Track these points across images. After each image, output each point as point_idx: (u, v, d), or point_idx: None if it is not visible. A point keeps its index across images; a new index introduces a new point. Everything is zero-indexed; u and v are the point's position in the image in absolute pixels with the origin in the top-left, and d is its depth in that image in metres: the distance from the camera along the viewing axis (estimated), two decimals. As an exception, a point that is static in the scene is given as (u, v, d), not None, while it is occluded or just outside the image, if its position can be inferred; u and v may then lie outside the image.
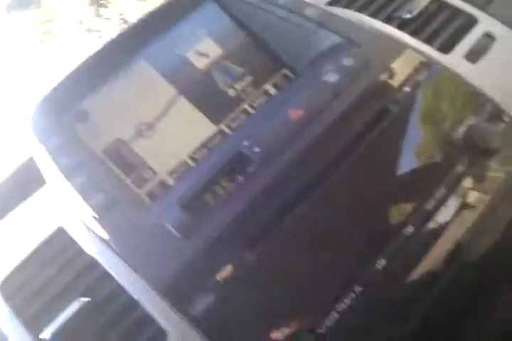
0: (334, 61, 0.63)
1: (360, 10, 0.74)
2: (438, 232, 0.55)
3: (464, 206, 0.57)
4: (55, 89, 0.59)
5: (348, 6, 0.75)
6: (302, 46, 0.67)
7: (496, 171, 0.60)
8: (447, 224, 0.56)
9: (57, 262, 0.51)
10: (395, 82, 0.62)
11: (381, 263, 0.52)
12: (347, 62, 0.62)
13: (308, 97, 0.60)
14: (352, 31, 0.66)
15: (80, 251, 0.51)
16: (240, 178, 0.54)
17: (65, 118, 0.59)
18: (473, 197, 0.58)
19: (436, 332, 0.55)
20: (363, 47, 0.63)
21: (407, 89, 0.62)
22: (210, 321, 0.47)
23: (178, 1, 0.69)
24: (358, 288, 0.51)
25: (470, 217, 0.57)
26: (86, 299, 0.48)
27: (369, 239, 0.53)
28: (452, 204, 0.57)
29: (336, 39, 0.65)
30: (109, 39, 0.63)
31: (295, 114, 0.58)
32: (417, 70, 0.64)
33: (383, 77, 0.61)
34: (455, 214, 0.57)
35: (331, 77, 0.61)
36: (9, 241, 0.58)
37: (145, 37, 0.66)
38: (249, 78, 0.67)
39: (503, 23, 0.76)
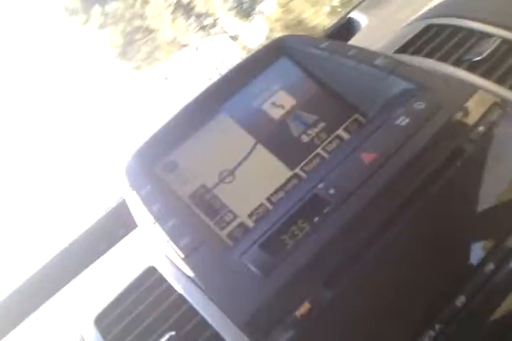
0: (405, 106, 0.65)
1: (428, 56, 0.76)
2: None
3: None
4: (147, 142, 0.66)
5: (415, 53, 0.77)
6: (372, 93, 0.70)
7: None
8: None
9: (148, 298, 0.55)
10: (469, 123, 0.62)
11: (461, 300, 0.51)
12: (418, 106, 0.64)
13: (381, 141, 0.62)
14: (421, 76, 0.68)
15: (169, 289, 0.55)
16: (316, 219, 0.56)
17: (155, 168, 0.65)
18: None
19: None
20: (433, 91, 0.65)
21: (481, 128, 0.62)
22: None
23: (255, 59, 0.75)
24: (437, 326, 0.50)
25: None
26: (174, 333, 0.50)
27: (448, 277, 0.52)
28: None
29: (405, 85, 0.67)
30: (194, 96, 0.70)
31: (368, 157, 0.60)
32: (490, 110, 0.64)
33: (456, 118, 0.62)
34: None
35: (403, 121, 0.63)
36: (104, 280, 0.63)
37: (226, 92, 0.72)
38: (322, 124, 0.70)
39: None
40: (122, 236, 0.73)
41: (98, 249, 0.73)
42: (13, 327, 0.77)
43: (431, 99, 0.64)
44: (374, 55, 0.72)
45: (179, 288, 0.54)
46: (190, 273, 0.54)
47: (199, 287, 0.53)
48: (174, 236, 0.57)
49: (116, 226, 0.80)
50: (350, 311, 0.50)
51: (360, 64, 0.71)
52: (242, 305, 0.50)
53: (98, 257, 0.73)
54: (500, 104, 0.64)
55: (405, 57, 0.75)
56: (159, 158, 0.67)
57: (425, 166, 0.59)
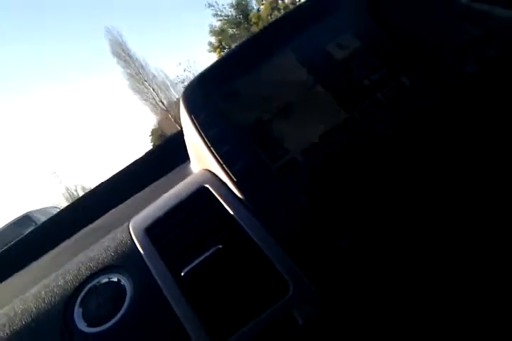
0: (475, 53, 0.61)
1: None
2: None
3: None
4: (211, 68, 0.65)
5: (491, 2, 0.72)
6: (442, 39, 0.66)
7: None
8: None
9: (199, 215, 0.56)
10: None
11: None
12: (489, 54, 0.60)
13: (446, 88, 0.59)
14: (493, 24, 0.63)
15: (220, 208, 0.55)
16: (369, 159, 0.55)
17: (216, 95, 0.65)
18: None
19: None
20: (505, 39, 0.60)
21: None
22: (327, 280, 0.48)
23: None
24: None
25: None
26: (220, 246, 0.51)
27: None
28: None
29: (477, 32, 0.63)
30: (263, 28, 0.68)
31: (430, 103, 0.57)
32: None
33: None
34: None
35: (471, 69, 0.59)
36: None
37: (295, 28, 0.69)
38: (385, 70, 0.67)
39: None
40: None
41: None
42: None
43: (502, 48, 0.60)
44: (447, 0, 0.68)
45: (230, 208, 0.55)
46: (242, 196, 0.55)
47: (248, 208, 0.54)
48: (229, 160, 0.57)
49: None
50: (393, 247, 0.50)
51: (433, 9, 0.67)
52: (289, 228, 0.51)
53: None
54: None
55: (479, 5, 0.69)
56: (222, 85, 0.66)
57: (492, 117, 0.56)
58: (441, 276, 0.48)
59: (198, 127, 0.60)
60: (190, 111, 0.62)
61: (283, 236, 0.51)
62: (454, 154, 0.53)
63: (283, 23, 0.69)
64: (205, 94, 0.64)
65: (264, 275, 0.50)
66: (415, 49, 0.68)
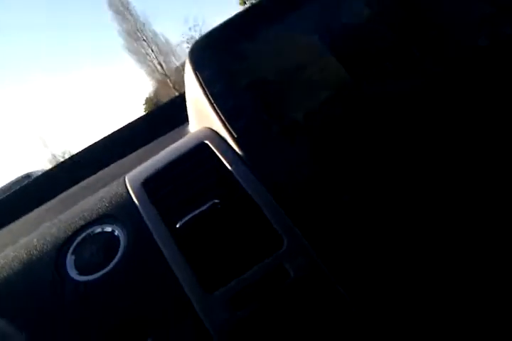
0: (489, 28, 0.60)
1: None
2: None
3: None
4: (222, 25, 0.63)
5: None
6: (455, 14, 0.64)
7: None
8: None
9: (197, 170, 0.55)
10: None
11: None
12: (503, 29, 0.59)
13: (457, 60, 0.58)
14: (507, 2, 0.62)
15: (219, 164, 0.55)
16: (372, 123, 0.54)
17: (222, 52, 0.63)
18: None
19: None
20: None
21: None
22: (321, 233, 0.48)
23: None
24: None
25: None
26: (217, 201, 0.51)
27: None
28: None
29: (490, 9, 0.62)
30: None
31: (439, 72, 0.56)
32: None
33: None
34: None
35: (483, 42, 0.58)
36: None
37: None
38: (396, 40, 0.66)
39: None
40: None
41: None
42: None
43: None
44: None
45: (229, 164, 0.55)
46: (241, 152, 0.55)
47: (247, 164, 0.54)
48: (231, 116, 0.56)
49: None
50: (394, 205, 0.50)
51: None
52: (286, 184, 0.51)
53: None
54: None
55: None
56: (228, 43, 0.64)
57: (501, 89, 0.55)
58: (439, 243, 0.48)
59: (202, 83, 0.59)
60: (196, 67, 0.61)
61: (280, 192, 0.51)
62: (459, 123, 0.53)
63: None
64: (213, 52, 0.63)
65: (260, 230, 0.50)
66: (428, 20, 0.67)
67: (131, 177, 0.61)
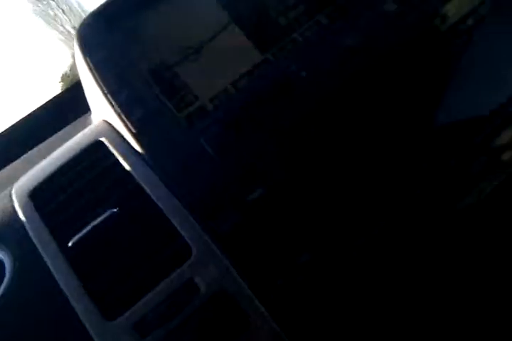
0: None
1: None
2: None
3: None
4: (108, 2, 0.55)
5: None
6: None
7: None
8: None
9: (92, 173, 0.49)
10: (457, 15, 0.55)
11: None
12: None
13: (364, 27, 0.54)
14: None
15: (116, 165, 0.49)
16: (283, 102, 0.50)
17: (115, 32, 0.55)
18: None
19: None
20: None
21: (470, 21, 0.54)
22: (234, 240, 0.44)
23: None
24: None
25: None
26: (115, 210, 0.46)
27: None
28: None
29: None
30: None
31: (348, 43, 0.52)
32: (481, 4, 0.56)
33: (444, 10, 0.54)
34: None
35: (390, 6, 0.54)
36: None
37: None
38: (302, 7, 0.61)
39: None
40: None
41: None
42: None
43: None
44: None
45: (127, 164, 0.49)
46: (141, 149, 0.48)
47: (148, 163, 0.48)
48: (127, 108, 0.50)
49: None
50: (301, 200, 0.46)
51: None
52: (192, 184, 0.46)
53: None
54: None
55: None
56: (121, 21, 0.56)
57: (403, 59, 0.52)
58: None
59: (94, 70, 0.52)
60: (85, 51, 0.53)
61: (186, 194, 0.46)
62: (376, 99, 0.49)
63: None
64: (104, 32, 0.54)
65: (166, 240, 0.45)
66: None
67: (18, 188, 0.53)
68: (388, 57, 0.52)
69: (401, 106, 0.51)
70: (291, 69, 0.51)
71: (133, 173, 0.48)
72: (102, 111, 0.53)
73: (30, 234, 0.47)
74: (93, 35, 0.54)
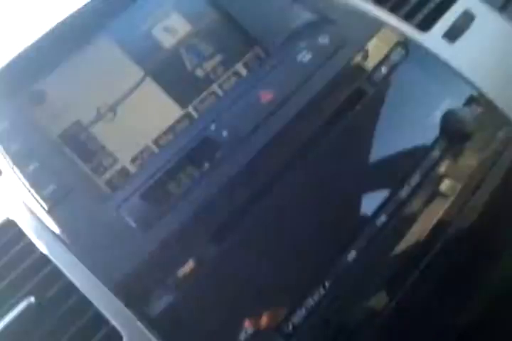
0: (308, 39, 0.57)
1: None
2: (410, 221, 0.49)
3: (437, 194, 0.52)
4: (8, 65, 0.51)
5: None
6: (275, 24, 0.61)
7: (469, 158, 0.55)
8: (419, 212, 0.50)
9: (3, 258, 0.44)
10: (371, 63, 0.56)
11: (352, 255, 0.46)
12: (322, 40, 0.56)
13: (280, 78, 0.54)
14: (327, 7, 0.60)
15: (30, 246, 0.45)
16: (206, 165, 0.48)
17: (18, 99, 0.51)
18: (446, 185, 0.53)
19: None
20: (338, 25, 0.57)
21: (383, 70, 0.56)
22: (168, 323, 0.41)
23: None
24: (327, 283, 0.45)
25: (442, 206, 0.52)
26: (34, 298, 0.41)
27: (339, 231, 0.48)
28: (425, 193, 0.52)
29: (310, 16, 0.59)
30: (70, 12, 0.55)
31: (266, 96, 0.52)
32: (393, 50, 0.58)
33: (359, 56, 0.56)
34: (427, 203, 0.51)
35: (305, 57, 0.55)
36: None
37: (109, 11, 0.58)
38: (219, 57, 0.60)
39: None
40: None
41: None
42: None
43: (335, 34, 0.57)
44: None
45: (41, 246, 0.45)
46: (55, 228, 0.44)
47: (64, 243, 0.44)
48: (37, 183, 0.46)
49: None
50: (236, 271, 0.44)
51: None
52: (115, 264, 0.42)
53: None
54: (404, 43, 0.58)
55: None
56: (24, 86, 0.52)
57: (324, 108, 0.52)
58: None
59: None
60: None
61: (108, 274, 0.42)
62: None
63: (98, 2, 0.57)
64: (4, 98, 0.50)
65: (94, 327, 0.41)
66: (250, 33, 0.62)
67: None
68: (309, 106, 0.52)
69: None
70: (212, 128, 0.50)
71: (49, 256, 0.44)
72: (12, 184, 0.49)
73: None
74: None
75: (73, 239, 0.44)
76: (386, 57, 0.57)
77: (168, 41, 0.59)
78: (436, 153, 0.54)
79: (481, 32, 0.65)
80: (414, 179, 0.52)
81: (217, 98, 0.58)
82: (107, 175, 0.52)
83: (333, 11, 0.58)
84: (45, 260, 0.44)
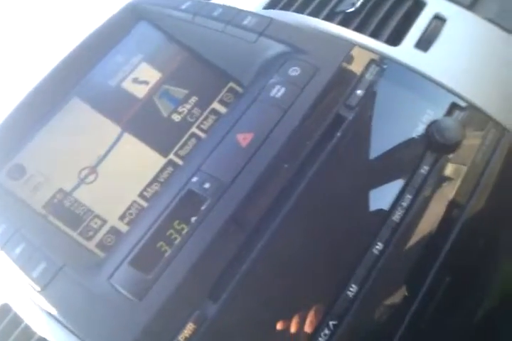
0: (279, 72, 0.54)
1: (299, 10, 0.65)
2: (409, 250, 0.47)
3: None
4: None
5: (285, 8, 0.66)
6: (245, 58, 0.59)
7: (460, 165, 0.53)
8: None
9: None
10: (347, 86, 0.54)
11: (353, 290, 0.44)
12: (293, 72, 0.54)
13: (257, 117, 0.52)
14: (293, 36, 0.58)
15: (28, 330, 0.43)
16: (194, 219, 0.46)
17: None
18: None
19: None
20: (307, 53, 0.56)
21: (359, 92, 0.54)
22: None
23: (106, 28, 0.59)
24: (331, 322, 0.43)
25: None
26: None
27: (339, 269, 0.46)
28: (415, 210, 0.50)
29: (278, 47, 0.57)
30: (34, 82, 0.54)
31: (244, 138, 0.50)
32: (367, 69, 0.55)
33: (332, 82, 0.53)
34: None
35: (279, 92, 0.53)
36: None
37: (76, 72, 0.57)
38: (194, 99, 0.58)
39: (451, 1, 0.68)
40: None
41: None
42: None
43: (306, 63, 0.55)
44: (241, 13, 0.60)
45: (39, 330, 0.43)
46: (50, 309, 0.43)
47: (62, 324, 0.42)
48: (26, 265, 0.44)
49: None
50: (236, 326, 0.42)
51: (227, 25, 0.59)
52: (115, 337, 0.40)
53: None
54: (377, 60, 0.56)
55: (275, 13, 0.63)
56: (0, 164, 0.51)
57: (306, 141, 0.50)
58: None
59: None
60: None
61: None
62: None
63: (62, 67, 0.56)
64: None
65: None
66: (221, 70, 0.60)
67: None
68: (290, 143, 0.50)
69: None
70: (194, 180, 0.48)
71: (48, 339, 0.42)
72: (2, 268, 0.47)
73: None
74: None
75: (69, 317, 0.42)
76: (361, 77, 0.55)
77: (140, 92, 0.57)
78: (425, 168, 0.52)
79: (454, 33, 0.63)
80: (406, 198, 0.50)
81: (198, 140, 0.56)
82: (97, 238, 0.50)
83: (300, 39, 0.57)
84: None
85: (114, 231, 0.51)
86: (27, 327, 0.44)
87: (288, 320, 0.43)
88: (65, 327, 0.42)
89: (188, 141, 0.56)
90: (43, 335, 0.43)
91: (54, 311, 0.42)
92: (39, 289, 0.43)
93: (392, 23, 0.63)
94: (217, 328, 0.42)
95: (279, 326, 0.42)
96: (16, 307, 0.44)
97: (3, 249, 0.45)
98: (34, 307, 0.43)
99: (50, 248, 0.45)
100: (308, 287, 0.45)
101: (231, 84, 0.59)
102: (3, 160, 0.50)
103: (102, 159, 0.53)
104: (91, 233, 0.50)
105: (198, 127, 0.57)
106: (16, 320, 0.44)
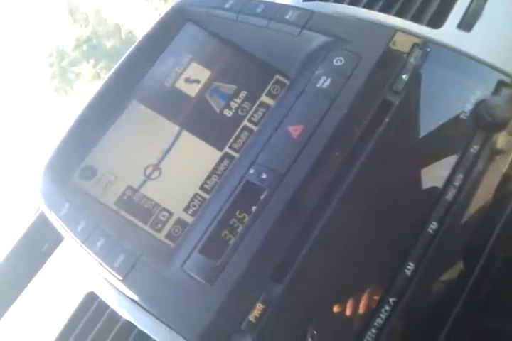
0: (324, 63, 0.55)
1: (339, 0, 0.65)
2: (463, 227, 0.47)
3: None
4: (55, 153, 0.54)
5: (326, -1, 0.66)
6: (290, 51, 0.60)
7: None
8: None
9: (94, 329, 0.47)
10: (392, 72, 0.54)
11: (411, 268, 0.45)
12: (337, 62, 0.55)
13: (305, 109, 0.53)
14: (335, 26, 0.58)
15: (114, 315, 0.47)
16: (254, 208, 0.48)
17: (71, 179, 0.54)
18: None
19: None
20: (350, 42, 0.56)
21: (405, 76, 0.53)
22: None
23: (156, 32, 0.62)
24: (391, 299, 0.44)
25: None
26: None
27: (394, 247, 0.47)
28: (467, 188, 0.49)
29: (321, 39, 0.57)
30: (96, 90, 0.57)
31: (295, 130, 0.51)
32: (411, 53, 0.55)
33: (377, 69, 0.53)
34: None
35: (325, 82, 0.54)
36: (40, 311, 0.54)
37: (132, 77, 0.59)
38: (243, 93, 0.60)
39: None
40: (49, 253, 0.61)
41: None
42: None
43: (349, 52, 0.55)
44: (283, 8, 0.61)
45: (124, 314, 0.47)
46: (132, 295, 0.46)
47: (144, 308, 0.46)
48: (107, 257, 0.48)
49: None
50: (303, 303, 0.44)
51: (271, 21, 0.60)
52: (193, 319, 0.44)
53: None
54: (421, 44, 0.56)
55: (316, 5, 0.63)
56: (73, 167, 0.55)
57: (355, 130, 0.51)
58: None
59: (63, 225, 0.50)
60: (50, 208, 0.52)
61: (189, 330, 0.44)
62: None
63: (119, 74, 0.59)
64: (61, 183, 0.53)
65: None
66: (266, 64, 0.61)
67: None
68: (341, 132, 0.51)
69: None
70: (251, 172, 0.50)
71: (133, 321, 0.46)
72: (85, 261, 0.51)
73: None
74: (51, 190, 0.53)
75: (150, 302, 0.45)
76: (405, 62, 0.54)
77: (192, 91, 0.60)
78: (475, 148, 0.51)
79: (496, 11, 0.61)
80: (458, 178, 0.50)
81: (250, 133, 0.58)
82: (166, 229, 0.53)
83: (342, 29, 0.57)
84: (131, 326, 0.46)
85: (180, 222, 0.54)
86: (112, 312, 0.47)
87: (349, 297, 0.44)
88: (147, 310, 0.45)
89: (240, 134, 0.58)
90: (128, 319, 0.47)
91: (135, 297, 0.46)
92: (121, 278, 0.47)
93: (433, 6, 0.62)
94: (283, 307, 0.44)
95: (341, 303, 0.44)
96: (101, 294, 0.48)
97: (84, 243, 0.48)
98: (118, 294, 0.47)
99: (126, 240, 0.49)
100: (367, 267, 0.46)
101: (277, 77, 0.61)
102: (76, 162, 0.54)
103: (164, 156, 0.57)
104: (160, 225, 0.53)
105: (250, 120, 0.59)
106: (102, 307, 0.48)
